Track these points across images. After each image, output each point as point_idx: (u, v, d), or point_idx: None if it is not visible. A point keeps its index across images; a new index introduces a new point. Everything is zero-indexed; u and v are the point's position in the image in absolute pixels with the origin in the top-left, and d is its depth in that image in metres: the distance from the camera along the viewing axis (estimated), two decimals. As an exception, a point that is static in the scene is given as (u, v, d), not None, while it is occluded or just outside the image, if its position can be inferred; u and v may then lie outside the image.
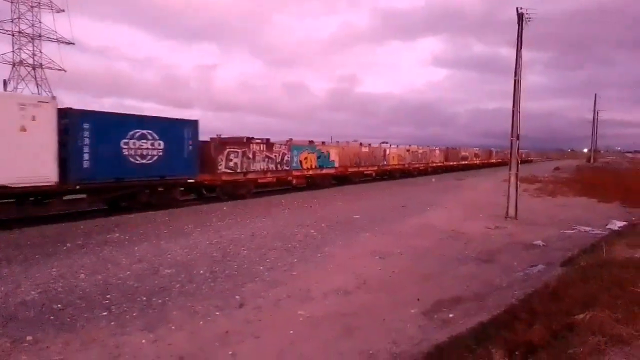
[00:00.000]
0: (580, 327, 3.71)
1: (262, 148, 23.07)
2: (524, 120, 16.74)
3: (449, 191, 26.50)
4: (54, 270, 9.01)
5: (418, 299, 7.79)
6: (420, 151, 44.72)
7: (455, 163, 52.77)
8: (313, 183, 27.48)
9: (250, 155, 22.16)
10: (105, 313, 6.93)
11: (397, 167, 38.92)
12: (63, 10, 59.88)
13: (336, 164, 29.73)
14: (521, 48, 16.48)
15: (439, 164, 48.41)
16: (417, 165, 43.10)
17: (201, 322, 6.72)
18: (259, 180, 23.12)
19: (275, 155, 23.90)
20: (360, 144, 33.93)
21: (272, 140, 24.10)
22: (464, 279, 9.06)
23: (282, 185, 25.50)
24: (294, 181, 25.88)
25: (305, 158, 26.56)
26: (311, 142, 28.13)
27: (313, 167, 27.18)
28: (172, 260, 9.93)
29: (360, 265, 9.91)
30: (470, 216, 16.84)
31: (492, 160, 68.44)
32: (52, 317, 6.72)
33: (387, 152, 37.60)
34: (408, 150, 41.76)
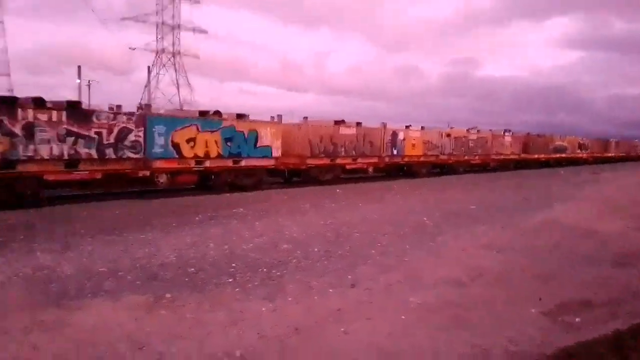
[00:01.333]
0: None
1: (53, 117, 13.32)
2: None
3: (582, 186, 24.09)
4: (187, 237, 10.05)
5: (540, 299, 7.26)
6: (473, 137, 32.46)
7: (542, 156, 40.96)
8: (210, 181, 18.61)
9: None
10: (230, 280, 7.57)
11: (418, 159, 29.16)
12: (198, 2, 65.09)
13: (275, 153, 20.17)
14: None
15: (510, 157, 36.91)
16: (465, 158, 32.36)
17: (316, 297, 7.01)
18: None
19: (97, 133, 14.32)
20: (338, 122, 24.20)
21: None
22: (594, 281, 8.23)
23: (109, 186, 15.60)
24: (159, 179, 16.65)
25: (190, 140, 16.93)
26: (211, 113, 18.26)
27: (212, 155, 17.72)
28: (289, 236, 10.47)
29: (475, 257, 9.51)
30: (607, 214, 15.16)
31: (610, 154, 55.16)
32: (186, 279, 7.53)
33: (400, 136, 27.61)
34: (448, 135, 30.78)
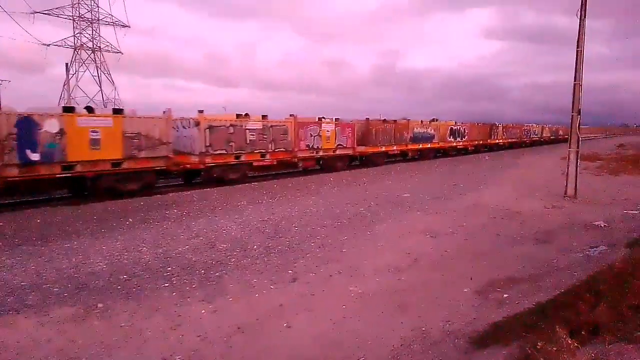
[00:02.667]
0: (649, 309, 3.57)
1: None
2: (585, 94, 15.78)
3: (503, 169, 25.66)
4: (118, 243, 9.58)
5: (471, 278, 7.68)
6: (258, 127, 21.51)
7: (395, 148, 31.31)
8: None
9: None
10: (167, 284, 7.31)
11: (334, 153, 25.79)
12: (118, -6, 61.87)
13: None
14: (585, 17, 15.45)
15: (331, 154, 26.01)
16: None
17: (257, 295, 6.96)
18: None
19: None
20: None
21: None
22: (519, 259, 8.82)
23: None
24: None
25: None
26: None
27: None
28: (227, 235, 10.28)
29: (411, 243, 9.86)
30: (526, 195, 16.27)
31: (496, 141, 47.84)
32: (119, 287, 7.18)
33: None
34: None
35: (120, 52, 63.48)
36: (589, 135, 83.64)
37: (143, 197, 15.51)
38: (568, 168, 16.01)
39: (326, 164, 26.05)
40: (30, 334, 5.60)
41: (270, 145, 21.95)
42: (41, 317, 6.05)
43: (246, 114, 21.92)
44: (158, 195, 16.09)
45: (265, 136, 21.61)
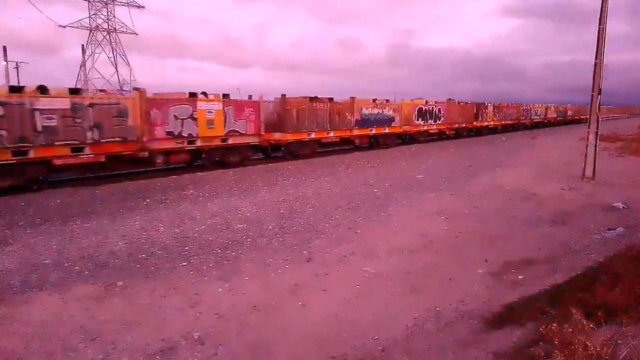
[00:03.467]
0: (668, 291, 3.53)
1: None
2: (606, 73, 15.37)
3: (521, 151, 25.31)
4: (136, 223, 9.75)
5: (486, 260, 7.67)
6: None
7: (333, 134, 24.43)
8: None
9: None
10: (184, 263, 7.45)
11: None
12: (132, -25, 61.58)
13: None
14: (608, -7, 14.95)
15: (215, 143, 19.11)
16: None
17: (272, 274, 7.05)
18: None
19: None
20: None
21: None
22: (535, 241, 8.77)
23: None
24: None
25: None
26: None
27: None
28: (242, 216, 10.39)
29: (425, 225, 9.85)
30: (543, 177, 16.06)
31: (485, 123, 41.18)
32: (138, 266, 7.34)
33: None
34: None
35: (135, 33, 63.67)
36: (609, 115, 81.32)
37: (160, 179, 15.69)
38: (587, 149, 15.72)
39: (210, 159, 18.95)
40: (53, 311, 5.77)
41: (89, 134, 14.57)
42: (63, 295, 6.23)
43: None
44: (174, 177, 16.26)
45: (78, 120, 14.26)
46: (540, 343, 3.22)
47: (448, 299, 6.21)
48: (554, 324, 3.21)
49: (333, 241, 8.65)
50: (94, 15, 60.67)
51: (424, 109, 32.58)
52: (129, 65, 63.45)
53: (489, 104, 42.24)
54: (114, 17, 61.84)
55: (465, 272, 7.19)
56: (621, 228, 9.27)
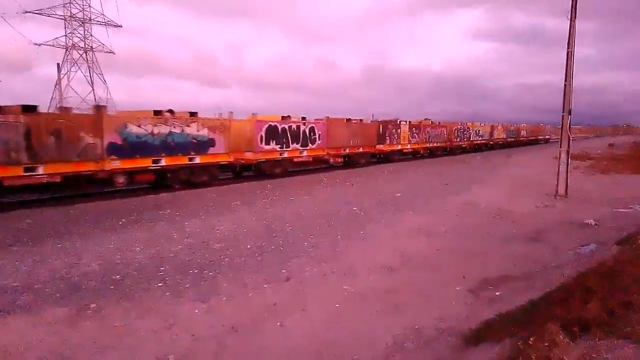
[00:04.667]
0: (639, 305, 3.61)
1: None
2: (576, 95, 15.93)
3: (495, 169, 25.82)
4: (111, 244, 9.53)
5: (464, 277, 7.74)
6: None
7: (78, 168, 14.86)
8: None
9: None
10: (160, 284, 7.29)
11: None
12: (110, -6, 61.47)
13: None
14: (575, 18, 15.60)
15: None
16: None
17: (250, 294, 6.95)
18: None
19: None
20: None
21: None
22: (511, 257, 8.90)
23: None
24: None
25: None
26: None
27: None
28: (220, 235, 10.27)
29: (404, 242, 9.90)
30: (517, 194, 16.39)
31: (394, 147, 32.40)
32: (112, 287, 7.15)
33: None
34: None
35: (112, 52, 63.23)
36: (578, 135, 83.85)
37: (136, 198, 15.43)
38: (559, 167, 16.16)
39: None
40: (22, 335, 5.56)
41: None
42: (33, 318, 6.01)
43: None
44: (151, 196, 16.01)
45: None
46: (520, 359, 3.25)
47: (427, 316, 6.22)
48: (531, 339, 3.25)
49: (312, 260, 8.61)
50: (70, 34, 60.12)
51: (280, 127, 22.69)
52: (105, 83, 62.84)
53: (403, 122, 33.83)
54: (91, 35, 61.41)
55: (444, 289, 7.23)
56: (594, 244, 9.49)
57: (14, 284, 7.20)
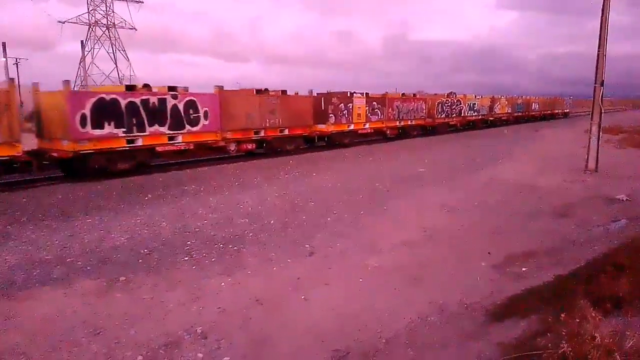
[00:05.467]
0: (673, 282, 3.51)
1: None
2: (607, 64, 15.26)
3: (524, 143, 25.23)
4: (138, 218, 9.74)
5: (489, 253, 7.65)
6: None
7: None
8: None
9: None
10: (186, 258, 7.44)
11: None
12: (131, -30, 61.31)
13: None
14: (611, -17, 14.83)
15: None
16: None
17: (274, 268, 7.04)
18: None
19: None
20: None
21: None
22: (537, 233, 8.74)
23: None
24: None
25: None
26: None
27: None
28: (244, 210, 10.37)
29: (427, 218, 9.82)
30: (545, 169, 16.01)
31: (335, 127, 24.06)
32: (140, 261, 7.33)
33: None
34: None
35: (134, 29, 63.56)
36: (610, 108, 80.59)
37: (161, 174, 15.66)
38: (589, 141, 15.67)
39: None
40: (56, 306, 5.77)
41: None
42: (66, 290, 6.22)
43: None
44: (174, 172, 16.23)
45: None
46: (547, 334, 3.20)
47: (451, 292, 6.19)
48: (562, 315, 3.19)
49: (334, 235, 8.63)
50: (92, 11, 60.52)
51: (124, 103, 15.32)
52: (128, 60, 63.40)
53: (358, 95, 25.86)
54: (113, 12, 61.68)
55: (468, 265, 7.18)
56: (624, 220, 9.23)
57: (47, 257, 7.45)
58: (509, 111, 45.62)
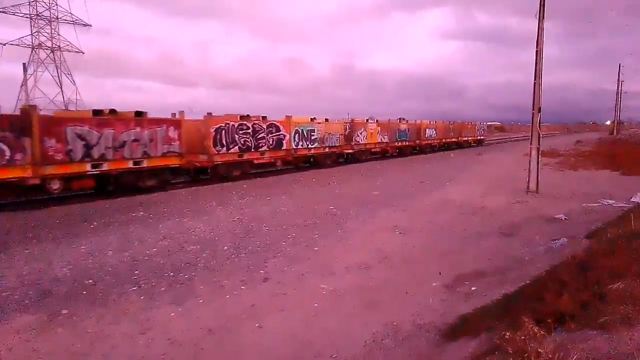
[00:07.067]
0: (611, 297, 3.71)
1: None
2: (543, 93, 16.31)
3: (468, 167, 26.25)
4: (82, 247, 9.28)
5: (440, 273, 7.83)
6: None
7: None
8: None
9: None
10: (134, 288, 7.13)
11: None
12: (78, -9, 59.82)
13: None
14: (543, 18, 15.99)
15: None
16: None
17: (227, 296, 6.87)
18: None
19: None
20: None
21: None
22: (485, 253, 9.05)
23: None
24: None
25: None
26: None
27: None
28: (196, 237, 10.12)
29: (381, 240, 9.95)
30: (490, 191, 16.70)
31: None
32: (84, 292, 6.96)
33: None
34: None
35: (81, 52, 61.57)
36: (547, 133, 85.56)
37: (108, 200, 15.05)
38: (530, 164, 16.53)
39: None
40: (-11, 344, 5.35)
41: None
42: (1, 326, 5.80)
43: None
44: (122, 198, 15.65)
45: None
46: (495, 352, 3.29)
47: (405, 313, 6.27)
48: (507, 333, 3.30)
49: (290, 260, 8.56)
50: (36, 33, 58.28)
51: None
52: (74, 84, 61.18)
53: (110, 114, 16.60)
54: (59, 35, 59.65)
55: (421, 286, 7.30)
56: (564, 238, 9.73)
57: (-20, 292, 6.93)
58: (384, 140, 32.80)
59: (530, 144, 16.78)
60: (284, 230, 10.70)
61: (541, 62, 16.11)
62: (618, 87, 76.11)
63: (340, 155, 29.07)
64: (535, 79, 16.17)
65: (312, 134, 25.96)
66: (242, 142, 21.08)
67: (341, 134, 28.35)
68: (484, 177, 21.11)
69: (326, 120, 27.25)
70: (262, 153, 22.39)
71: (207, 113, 20.26)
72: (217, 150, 19.81)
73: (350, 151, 29.58)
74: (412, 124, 37.25)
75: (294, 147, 24.53)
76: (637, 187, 17.15)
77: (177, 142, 17.97)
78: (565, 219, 11.93)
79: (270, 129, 22.84)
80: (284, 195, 15.91)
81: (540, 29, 16.00)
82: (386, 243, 9.72)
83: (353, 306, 6.55)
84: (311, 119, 26.40)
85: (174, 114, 18.92)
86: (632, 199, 14.51)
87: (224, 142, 20.17)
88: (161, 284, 7.29)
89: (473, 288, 7.10)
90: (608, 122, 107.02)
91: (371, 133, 31.45)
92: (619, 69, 75.00)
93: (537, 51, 16.09)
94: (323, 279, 7.63)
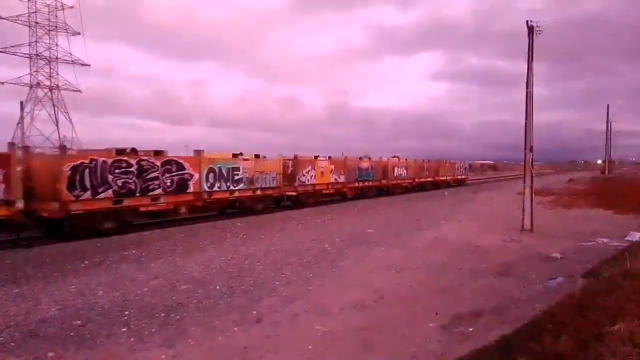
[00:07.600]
0: (609, 337, 3.65)
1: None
2: (535, 132, 16.60)
3: (463, 205, 26.31)
4: (72, 287, 9.10)
5: (436, 313, 7.70)
6: None
7: None
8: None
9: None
10: (124, 329, 6.95)
11: None
12: (79, 33, 61.15)
13: None
14: (532, 60, 16.48)
15: None
16: None
17: (219, 338, 6.70)
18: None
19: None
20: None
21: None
22: (482, 292, 8.94)
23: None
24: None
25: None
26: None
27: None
28: (188, 276, 9.96)
29: (376, 279, 9.83)
30: (485, 229, 16.68)
31: None
32: (72, 334, 6.76)
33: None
34: None
35: (79, 91, 62.32)
36: (539, 171, 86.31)
37: (99, 239, 14.87)
38: (524, 203, 16.60)
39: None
40: (-29, 389, 5.15)
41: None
42: (-17, 370, 5.60)
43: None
44: (114, 236, 15.48)
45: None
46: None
47: (401, 354, 6.12)
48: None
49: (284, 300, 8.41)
50: (35, 72, 59.18)
51: None
52: (71, 122, 61.63)
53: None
54: (57, 74, 60.58)
55: (417, 326, 7.16)
56: (561, 277, 9.67)
57: (-36, 334, 6.72)
58: (340, 180, 28.81)
59: (524, 183, 16.91)
60: (278, 269, 10.55)
61: (532, 104, 16.47)
62: (607, 127, 77.67)
63: (281, 198, 24.70)
64: (526, 119, 16.49)
65: (236, 173, 21.32)
66: (120, 185, 16.16)
67: (279, 173, 23.97)
68: (477, 215, 21.13)
69: (256, 156, 22.97)
70: (155, 198, 17.40)
71: (61, 146, 16.93)
72: (74, 196, 14.82)
73: (293, 193, 25.06)
74: (376, 161, 33.09)
75: (207, 189, 19.59)
76: (630, 226, 17.22)
77: (3, 185, 13.51)
78: (560, 257, 11.90)
79: (168, 166, 17.94)
80: (279, 233, 15.77)
81: (529, 71, 16.45)
82: (382, 282, 9.58)
83: (348, 348, 6.39)
84: (234, 154, 21.87)
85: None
86: (627, 238, 14.54)
87: (87, 185, 15.20)
88: (152, 325, 7.11)
89: (470, 329, 6.98)
90: (599, 161, 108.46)
91: (322, 172, 27.20)
92: (607, 110, 76.83)
93: (527, 92, 16.49)
94: (318, 319, 7.47)
